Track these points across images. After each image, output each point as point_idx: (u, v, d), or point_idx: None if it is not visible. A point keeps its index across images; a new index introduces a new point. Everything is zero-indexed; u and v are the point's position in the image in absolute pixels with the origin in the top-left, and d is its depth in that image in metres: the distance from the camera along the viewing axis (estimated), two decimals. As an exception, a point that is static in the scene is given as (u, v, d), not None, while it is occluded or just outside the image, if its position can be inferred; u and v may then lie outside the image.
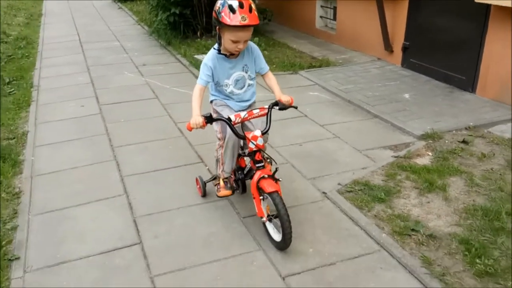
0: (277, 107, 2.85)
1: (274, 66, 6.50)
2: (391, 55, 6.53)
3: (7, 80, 6.30)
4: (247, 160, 3.10)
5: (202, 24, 8.30)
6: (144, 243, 2.95)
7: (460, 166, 3.70)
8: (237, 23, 2.57)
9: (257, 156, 2.80)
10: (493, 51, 4.93)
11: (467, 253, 2.70)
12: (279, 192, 2.68)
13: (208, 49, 2.97)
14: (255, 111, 2.83)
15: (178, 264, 2.74)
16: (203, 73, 2.86)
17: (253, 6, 2.63)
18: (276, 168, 2.91)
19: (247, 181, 3.14)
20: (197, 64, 6.65)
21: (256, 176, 2.77)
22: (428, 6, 5.76)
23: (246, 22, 2.58)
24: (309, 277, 2.62)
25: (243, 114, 2.81)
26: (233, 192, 3.18)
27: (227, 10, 2.58)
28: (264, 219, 2.86)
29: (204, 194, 3.40)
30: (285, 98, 2.83)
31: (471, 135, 4.22)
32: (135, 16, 11.43)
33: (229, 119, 2.76)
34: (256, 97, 3.12)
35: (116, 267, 2.75)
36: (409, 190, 3.41)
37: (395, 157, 3.91)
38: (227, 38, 2.70)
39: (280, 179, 2.80)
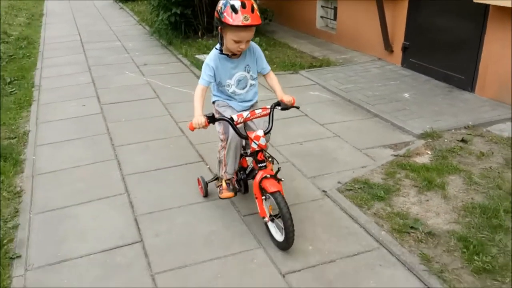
0: (279, 107, 2.86)
1: (275, 66, 6.52)
2: (391, 55, 6.55)
3: (8, 80, 6.32)
4: (249, 160, 3.11)
5: (203, 24, 8.32)
6: (145, 241, 2.97)
7: (459, 164, 3.72)
8: (240, 23, 2.57)
9: (260, 156, 2.80)
10: (491, 51, 4.94)
11: (465, 250, 2.72)
12: (281, 192, 2.69)
13: (209, 49, 2.99)
14: (257, 111, 2.84)
15: (179, 262, 2.76)
16: (205, 73, 2.86)
17: (255, 6, 2.63)
18: (279, 168, 2.92)
19: (249, 181, 3.14)
20: (198, 64, 6.67)
21: (258, 176, 2.77)
22: (428, 7, 5.78)
23: (248, 22, 2.58)
24: (309, 274, 2.64)
25: (245, 114, 2.81)
26: (235, 194, 3.17)
27: (229, 10, 2.58)
28: (266, 219, 2.86)
29: (206, 195, 3.41)
30: (287, 98, 2.83)
31: (470, 134, 4.24)
32: (136, 16, 11.45)
33: (231, 119, 2.76)
34: (258, 97, 3.13)
35: (117, 265, 2.77)
36: (408, 188, 3.43)
37: (395, 155, 3.93)
38: (230, 38, 2.70)
39: (283, 179, 2.81)
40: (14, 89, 6.03)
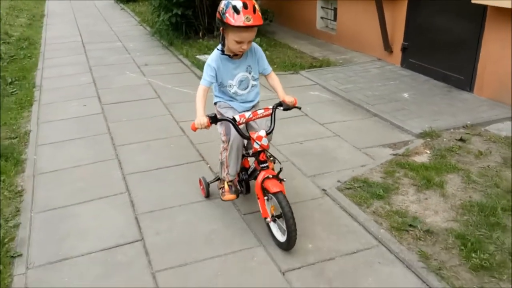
0: (281, 108, 2.87)
1: (275, 66, 6.54)
2: (391, 55, 6.57)
3: (10, 80, 6.34)
4: (251, 160, 3.11)
5: (204, 25, 8.35)
6: (146, 240, 2.98)
7: (458, 163, 3.74)
8: (241, 24, 2.58)
9: (262, 157, 2.81)
10: (489, 51, 4.97)
11: (463, 247, 2.74)
12: (283, 192, 2.69)
13: (210, 50, 3.00)
14: (259, 112, 2.84)
15: (180, 260, 2.78)
16: (207, 73, 2.86)
17: (256, 6, 2.64)
18: (280, 169, 2.92)
19: (251, 182, 3.15)
20: (199, 64, 6.69)
21: (260, 177, 2.77)
22: (427, 7, 5.81)
23: (250, 23, 2.58)
24: (309, 272, 2.66)
25: (247, 114, 2.81)
26: (237, 196, 3.16)
27: (231, 10, 2.58)
28: (269, 219, 2.87)
29: (208, 195, 3.41)
30: (289, 99, 2.84)
31: (468, 133, 4.26)
32: (137, 17, 11.48)
33: (233, 119, 2.76)
34: (259, 97, 3.14)
35: (118, 263, 2.78)
36: (407, 187, 3.45)
37: (394, 155, 3.95)
38: (231, 39, 2.70)
39: (285, 179, 2.81)
40: (15, 89, 6.05)
